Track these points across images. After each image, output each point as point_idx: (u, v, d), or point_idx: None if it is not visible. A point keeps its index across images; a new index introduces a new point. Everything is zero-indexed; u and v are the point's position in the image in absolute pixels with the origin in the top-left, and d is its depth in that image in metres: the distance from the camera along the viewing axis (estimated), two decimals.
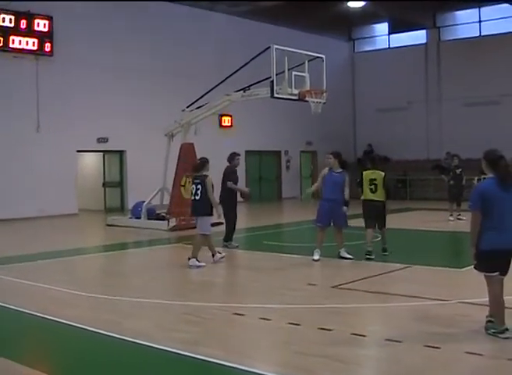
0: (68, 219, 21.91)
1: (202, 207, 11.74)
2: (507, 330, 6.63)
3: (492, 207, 6.54)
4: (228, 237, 14.17)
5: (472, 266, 6.96)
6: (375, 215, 12.44)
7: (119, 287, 10.07)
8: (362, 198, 12.56)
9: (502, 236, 6.54)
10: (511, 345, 6.50)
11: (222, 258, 12.16)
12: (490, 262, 6.62)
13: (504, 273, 6.70)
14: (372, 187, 12.37)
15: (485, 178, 7.47)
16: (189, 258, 11.70)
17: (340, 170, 12.17)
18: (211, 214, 11.85)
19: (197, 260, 11.62)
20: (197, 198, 11.77)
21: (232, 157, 14.41)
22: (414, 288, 9.33)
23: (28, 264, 12.29)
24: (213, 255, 12.08)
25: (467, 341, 6.61)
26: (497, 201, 6.54)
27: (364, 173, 12.58)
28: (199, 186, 11.78)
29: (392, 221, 19.45)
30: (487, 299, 6.91)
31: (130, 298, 8.92)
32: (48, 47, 22.57)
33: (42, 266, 12.16)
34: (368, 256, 12.01)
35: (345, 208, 11.92)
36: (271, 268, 11.75)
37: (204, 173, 11.91)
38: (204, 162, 12.05)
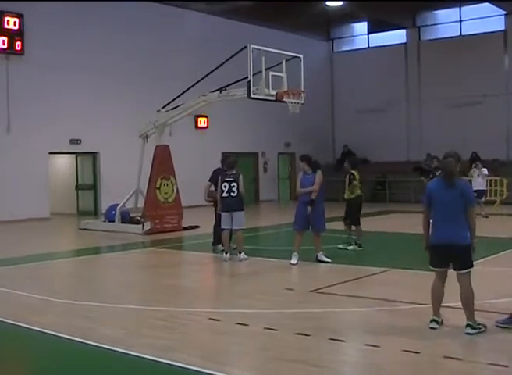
0: (39, 223, 21.75)
1: (239, 203, 12.69)
2: (434, 320, 7.25)
3: (435, 204, 7.22)
4: (217, 241, 14.14)
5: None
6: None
7: (92, 293, 10.02)
8: (352, 196, 13.87)
9: (440, 231, 7.17)
10: (487, 350, 6.61)
11: (246, 259, 12.80)
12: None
13: (441, 267, 7.28)
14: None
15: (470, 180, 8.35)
16: (239, 252, 12.78)
17: (310, 172, 12.24)
18: (243, 209, 12.85)
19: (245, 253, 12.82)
20: (234, 194, 12.62)
21: (226, 159, 14.28)
22: (393, 292, 9.40)
23: None
24: (240, 253, 12.82)
25: (446, 346, 6.69)
26: (438, 198, 7.19)
27: (356, 172, 13.80)
28: (234, 183, 12.64)
29: (371, 224, 19.63)
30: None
31: (103, 304, 8.90)
32: (18, 46, 22.35)
33: (12, 272, 12.08)
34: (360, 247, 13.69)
35: (308, 208, 11.98)
36: (248, 272, 11.79)
37: (234, 172, 12.78)
38: (236, 160, 13.08)
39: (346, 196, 14.12)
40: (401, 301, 8.70)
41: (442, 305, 7.38)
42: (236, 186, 12.63)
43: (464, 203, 7.09)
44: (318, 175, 12.18)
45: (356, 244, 13.84)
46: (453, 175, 7.15)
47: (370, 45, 35.08)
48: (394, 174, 31.20)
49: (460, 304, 7.24)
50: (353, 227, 14.12)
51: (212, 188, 13.88)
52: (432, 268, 7.38)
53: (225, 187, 12.68)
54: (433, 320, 7.27)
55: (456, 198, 7.07)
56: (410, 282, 10.43)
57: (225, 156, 14.50)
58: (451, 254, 7.15)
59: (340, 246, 13.88)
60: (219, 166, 14.15)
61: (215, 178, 13.86)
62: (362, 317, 8.16)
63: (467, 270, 7.13)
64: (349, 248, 13.75)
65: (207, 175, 14.31)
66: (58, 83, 23.74)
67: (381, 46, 34.40)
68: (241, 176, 12.79)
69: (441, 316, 7.32)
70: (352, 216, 14.00)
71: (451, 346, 6.71)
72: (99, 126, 24.72)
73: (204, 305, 9.17)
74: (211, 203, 13.95)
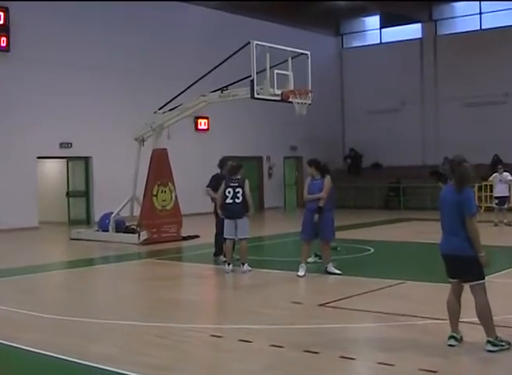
0: (28, 233, 21.75)
1: (244, 209, 12.75)
2: (453, 337, 7.20)
3: (441, 211, 7.39)
4: (219, 251, 14.14)
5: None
6: None
7: (84, 308, 10.00)
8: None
9: (444, 241, 7.31)
10: (510, 369, 6.58)
11: (250, 270, 12.77)
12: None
13: (452, 278, 7.34)
14: None
15: (485, 185, 8.21)
16: (243, 264, 12.73)
17: (319, 177, 12.23)
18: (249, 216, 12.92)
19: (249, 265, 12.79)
20: (238, 201, 12.69)
21: (225, 163, 14.26)
22: (408, 306, 9.38)
23: None
24: (243, 264, 12.79)
25: (465, 364, 6.66)
26: (443, 205, 7.33)
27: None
28: (238, 189, 12.71)
29: (385, 232, 19.63)
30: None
31: (96, 320, 8.88)
32: (3, 41, 22.42)
33: None
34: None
35: (316, 216, 11.95)
36: (252, 285, 11.79)
37: (239, 177, 12.84)
38: (241, 166, 13.15)
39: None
40: (417, 316, 8.67)
41: (462, 320, 7.34)
42: (240, 191, 12.70)
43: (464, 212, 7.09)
44: (327, 180, 12.18)
45: (316, 255, 13.60)
46: (466, 182, 7.15)
47: (382, 41, 35.16)
48: (409, 179, 31.19)
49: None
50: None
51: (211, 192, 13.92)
52: (449, 279, 7.42)
53: (229, 192, 12.71)
54: (451, 337, 7.23)
55: (458, 206, 7.09)
56: (426, 295, 10.40)
57: (223, 160, 14.45)
58: (456, 265, 7.17)
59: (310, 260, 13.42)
60: (219, 170, 14.20)
61: (214, 184, 13.87)
62: (375, 333, 8.13)
63: (476, 283, 7.08)
64: (309, 260, 13.24)
65: (208, 181, 14.34)
66: (47, 82, 23.79)
67: (394, 41, 34.45)
68: (247, 182, 12.84)
69: (460, 333, 7.29)
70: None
71: (471, 364, 6.67)
72: (92, 129, 24.76)
73: (204, 320, 9.16)
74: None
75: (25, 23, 23.07)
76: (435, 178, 28.61)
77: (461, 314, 7.29)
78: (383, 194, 31.94)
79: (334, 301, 9.83)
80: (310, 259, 13.28)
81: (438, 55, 33.14)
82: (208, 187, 14.19)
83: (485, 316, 7.03)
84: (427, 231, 20.14)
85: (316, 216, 11.96)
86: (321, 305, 9.59)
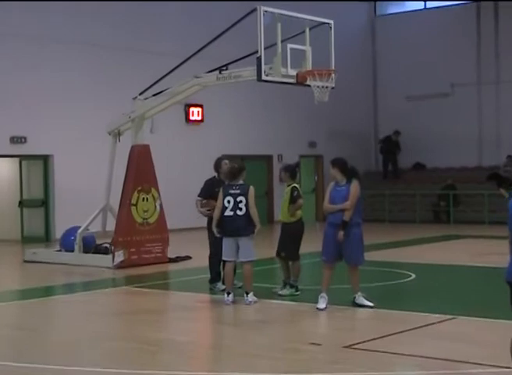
0: None
1: (248, 224, 12.68)
2: None
3: (509, 227, 7.22)
4: (216, 277, 14.18)
5: None
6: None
7: (39, 350, 9.99)
8: (293, 219, 13.62)
9: (509, 264, 7.14)
10: None
11: (255, 302, 12.81)
12: None
13: None
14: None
15: None
16: (246, 293, 12.72)
17: (344, 182, 12.21)
18: (254, 233, 12.79)
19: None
20: (241, 213, 12.61)
21: (219, 164, 14.23)
22: (460, 349, 9.35)
23: None
24: (247, 293, 12.78)
25: None
26: (510, 219, 7.18)
27: (298, 186, 13.78)
28: (241, 197, 12.63)
29: (431, 253, 19.56)
30: None
31: (54, 366, 8.87)
32: None
33: None
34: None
35: (341, 232, 11.93)
36: (258, 320, 11.80)
37: (241, 182, 12.81)
38: (243, 167, 13.04)
39: (282, 218, 13.83)
40: (472, 363, 8.63)
41: None
42: (244, 201, 12.63)
43: None
44: (354, 186, 12.13)
45: (292, 286, 13.52)
46: None
47: (427, 6, 35.12)
48: (460, 184, 31.13)
49: None
50: (290, 263, 13.79)
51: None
52: None
53: (228, 202, 12.65)
54: None
55: None
56: (484, 335, 10.34)
57: (219, 160, 14.45)
58: None
59: (280, 291, 13.61)
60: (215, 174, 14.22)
61: (207, 192, 13.85)
62: None
63: None
64: (281, 292, 13.43)
65: (201, 186, 14.37)
66: None
67: (443, 7, 34.43)
68: (252, 189, 12.78)
69: None
70: (289, 248, 13.57)
71: None
72: (52, 120, 24.81)
73: (197, 366, 9.15)
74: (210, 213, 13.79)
75: None
76: (494, 183, 28.71)
77: None
78: (427, 204, 31.85)
79: (364, 341, 9.81)
80: (282, 292, 13.46)
81: (500, 23, 33.04)
82: (199, 196, 14.17)
83: None
84: (485, 252, 20.15)
85: (341, 233, 11.94)
86: (347, 346, 9.56)
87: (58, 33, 25.11)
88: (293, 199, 13.43)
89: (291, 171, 13.80)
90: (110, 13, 26.36)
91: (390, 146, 34.00)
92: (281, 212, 13.90)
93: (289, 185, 13.63)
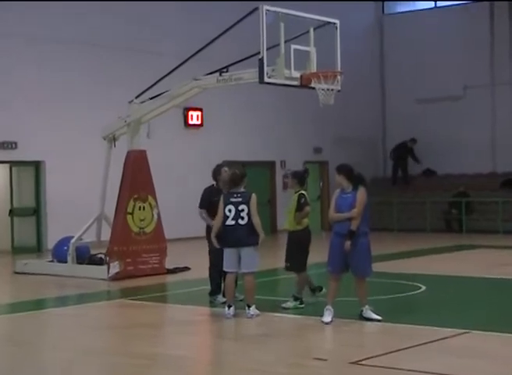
0: None
1: (251, 234, 12.65)
2: None
3: None
4: (216, 289, 14.16)
5: None
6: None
7: (29, 366, 9.98)
8: (299, 227, 13.73)
9: None
10: None
11: (258, 315, 12.78)
12: None
13: None
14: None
15: None
16: (248, 306, 12.70)
17: (350, 189, 12.20)
18: (258, 243, 12.75)
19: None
20: (243, 222, 12.59)
21: (218, 172, 14.21)
22: (475, 365, 9.32)
23: None
24: (249, 306, 12.78)
25: None
26: None
27: (305, 192, 13.76)
28: (243, 206, 12.63)
29: (444, 264, 19.54)
30: None
31: None
32: None
33: None
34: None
35: (347, 242, 11.92)
36: (260, 335, 11.77)
37: (243, 190, 12.84)
38: (244, 174, 13.00)
39: (288, 226, 13.89)
40: None
41: None
42: (246, 210, 12.64)
43: None
44: (360, 193, 12.13)
45: (296, 299, 13.56)
46: None
47: (438, 5, 35.13)
48: (473, 192, 31.10)
49: None
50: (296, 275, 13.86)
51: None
52: None
53: (229, 211, 12.64)
54: None
55: None
56: (499, 351, 10.31)
57: (218, 168, 14.44)
58: None
59: (283, 304, 13.59)
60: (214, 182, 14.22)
61: (207, 201, 13.84)
62: None
63: None
64: (284, 305, 13.44)
65: (201, 193, 14.36)
66: None
67: (454, 5, 34.43)
68: (254, 197, 12.75)
69: None
70: (295, 258, 13.71)
71: None
72: (44, 124, 24.81)
73: None
74: None
75: None
76: (509, 190, 28.62)
77: None
78: (438, 212, 31.80)
79: (372, 357, 9.78)
80: (287, 305, 13.45)
81: None
82: (200, 207, 14.16)
83: None
84: (499, 262, 20.14)
85: (348, 243, 11.92)
86: (353, 362, 9.53)
87: (58, 33, 25.10)
88: (299, 206, 13.44)
89: (300, 177, 13.80)
90: (110, 13, 26.40)
91: (403, 152, 33.94)
92: (287, 220, 13.87)
93: (296, 192, 13.63)
